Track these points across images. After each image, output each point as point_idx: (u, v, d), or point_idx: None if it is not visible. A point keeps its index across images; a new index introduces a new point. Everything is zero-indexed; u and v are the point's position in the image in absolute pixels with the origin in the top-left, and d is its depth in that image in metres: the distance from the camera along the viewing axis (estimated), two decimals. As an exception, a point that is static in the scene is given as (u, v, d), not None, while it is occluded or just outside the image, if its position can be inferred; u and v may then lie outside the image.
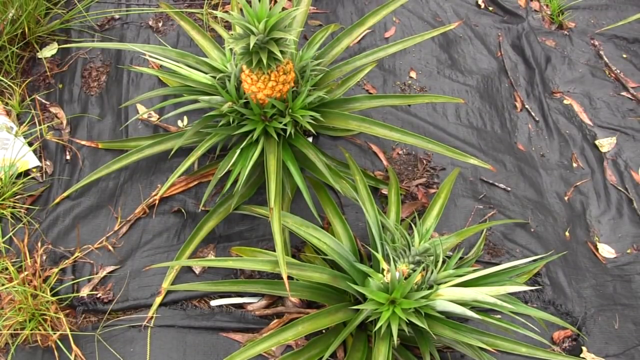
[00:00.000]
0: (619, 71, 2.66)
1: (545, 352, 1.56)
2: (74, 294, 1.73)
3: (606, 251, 2.12)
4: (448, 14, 2.71)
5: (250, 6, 1.43)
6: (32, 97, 2.11)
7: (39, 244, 1.81)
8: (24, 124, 2.03)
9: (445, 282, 1.40)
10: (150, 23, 2.35)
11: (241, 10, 1.48)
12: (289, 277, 1.50)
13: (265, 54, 1.44)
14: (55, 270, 1.75)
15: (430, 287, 1.40)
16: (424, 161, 2.20)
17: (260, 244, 1.88)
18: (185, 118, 2.13)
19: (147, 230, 1.88)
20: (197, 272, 1.82)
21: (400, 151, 2.21)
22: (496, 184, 2.19)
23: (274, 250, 1.48)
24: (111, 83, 2.19)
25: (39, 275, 1.72)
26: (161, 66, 2.20)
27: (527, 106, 2.48)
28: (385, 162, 2.15)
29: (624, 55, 2.73)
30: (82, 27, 2.30)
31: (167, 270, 1.79)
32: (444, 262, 1.48)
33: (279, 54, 1.43)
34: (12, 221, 1.83)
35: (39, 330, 1.63)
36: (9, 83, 2.09)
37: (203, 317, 1.74)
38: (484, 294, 1.29)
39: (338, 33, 1.92)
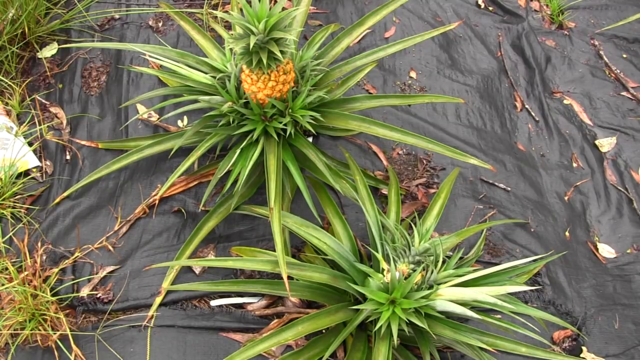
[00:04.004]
0: (619, 71, 2.66)
1: (545, 352, 1.56)
2: (74, 294, 1.73)
3: (606, 251, 2.12)
4: (448, 14, 2.71)
5: (250, 6, 1.43)
6: (32, 97, 2.11)
7: (39, 244, 1.81)
8: (24, 124, 2.03)
9: (445, 282, 1.40)
10: (150, 23, 2.35)
11: (241, 10, 1.48)
12: (289, 277, 1.50)
13: (265, 54, 1.44)
14: (55, 270, 1.75)
15: (430, 287, 1.40)
16: (424, 161, 2.20)
17: (260, 244, 1.88)
18: (185, 118, 2.13)
19: (147, 230, 1.88)
20: (197, 272, 1.82)
21: (400, 151, 2.21)
22: (496, 184, 2.19)
23: (274, 250, 1.48)
24: (111, 83, 2.19)
25: (39, 275, 1.72)
26: (161, 66, 2.20)
27: (527, 106, 2.48)
28: (385, 162, 2.15)
29: (624, 55, 2.73)
30: (82, 27, 2.30)
31: (167, 270, 1.79)
32: (444, 262, 1.48)
33: (279, 54, 1.43)
34: (12, 221, 1.83)
35: (39, 330, 1.63)
36: (9, 83, 2.09)
37: (203, 317, 1.74)
38: (484, 294, 1.29)
39: (338, 33, 1.92)
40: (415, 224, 1.49)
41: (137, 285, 1.77)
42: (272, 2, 2.40)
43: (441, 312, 1.37)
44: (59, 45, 2.24)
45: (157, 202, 1.91)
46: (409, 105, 2.33)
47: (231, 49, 1.71)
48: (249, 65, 1.51)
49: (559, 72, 2.63)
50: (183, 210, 1.92)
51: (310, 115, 1.61)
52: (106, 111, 2.12)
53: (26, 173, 1.94)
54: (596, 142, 2.42)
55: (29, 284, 1.68)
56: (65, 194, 1.89)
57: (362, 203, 1.67)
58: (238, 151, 1.62)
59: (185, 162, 1.63)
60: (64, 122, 2.08)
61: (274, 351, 1.69)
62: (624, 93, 2.60)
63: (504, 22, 2.77)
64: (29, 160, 1.95)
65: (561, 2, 2.86)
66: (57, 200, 1.89)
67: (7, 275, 1.69)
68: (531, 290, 1.93)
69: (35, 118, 2.05)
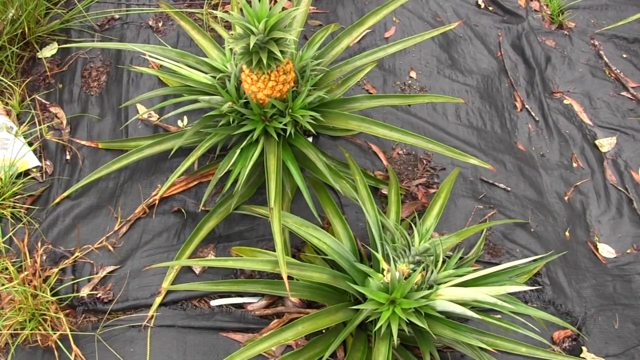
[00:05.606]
0: (619, 71, 2.66)
1: (545, 352, 1.56)
2: (74, 294, 1.73)
3: (606, 251, 2.12)
4: (448, 14, 2.71)
5: (250, 6, 1.43)
6: (32, 97, 2.11)
7: (39, 244, 1.81)
8: (24, 124, 2.03)
9: (445, 282, 1.40)
10: (150, 23, 2.36)
11: (241, 10, 1.48)
12: (289, 277, 1.50)
13: (265, 54, 1.44)
14: (55, 270, 1.75)
15: (430, 287, 1.40)
16: (424, 161, 2.20)
17: (260, 243, 1.88)
18: (185, 118, 2.13)
19: (147, 230, 1.88)
20: (197, 272, 1.82)
21: (400, 151, 2.21)
22: (496, 184, 2.19)
23: (274, 250, 1.48)
24: (111, 83, 2.19)
25: (39, 275, 1.72)
26: (161, 66, 2.20)
27: (527, 106, 2.48)
28: (385, 162, 2.15)
29: (624, 55, 2.73)
30: (82, 27, 2.30)
31: (167, 270, 1.79)
32: (444, 262, 1.48)
33: (279, 54, 1.43)
34: (12, 221, 1.83)
35: (39, 330, 1.63)
36: (9, 83, 2.09)
37: (203, 317, 1.74)
38: (484, 294, 1.29)
39: (338, 33, 1.92)
40: (415, 224, 1.49)
41: (137, 285, 1.77)
42: (272, 2, 2.40)
43: (441, 312, 1.37)
44: (59, 45, 2.24)
45: (157, 202, 1.91)
46: (409, 105, 2.33)
47: (231, 49, 1.71)
48: (249, 65, 1.51)
49: (559, 72, 2.63)
50: (183, 210, 1.92)
51: (310, 115, 1.61)
52: (106, 111, 2.12)
53: (26, 173, 1.94)
54: (596, 142, 2.42)
55: (29, 284, 1.68)
56: (65, 194, 1.89)
57: (362, 203, 1.67)
58: (238, 151, 1.62)
59: (185, 162, 1.63)
60: (64, 122, 2.08)
61: (274, 351, 1.69)
62: (624, 93, 2.60)
63: (504, 22, 2.77)
64: (29, 160, 1.95)
65: (561, 2, 2.86)
66: (57, 200, 1.89)
67: (7, 275, 1.69)
68: (531, 290, 1.93)
69: (35, 118, 2.05)
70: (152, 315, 1.71)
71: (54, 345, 1.64)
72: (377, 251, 1.55)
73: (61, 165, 1.98)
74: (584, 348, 1.87)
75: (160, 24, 2.37)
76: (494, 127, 2.38)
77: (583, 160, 2.36)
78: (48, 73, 2.18)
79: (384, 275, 1.46)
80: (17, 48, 2.14)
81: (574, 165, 2.34)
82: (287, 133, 1.60)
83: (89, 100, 2.15)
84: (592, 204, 2.24)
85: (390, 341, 1.42)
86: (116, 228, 1.87)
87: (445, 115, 2.35)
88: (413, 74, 2.45)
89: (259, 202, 1.88)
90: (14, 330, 1.62)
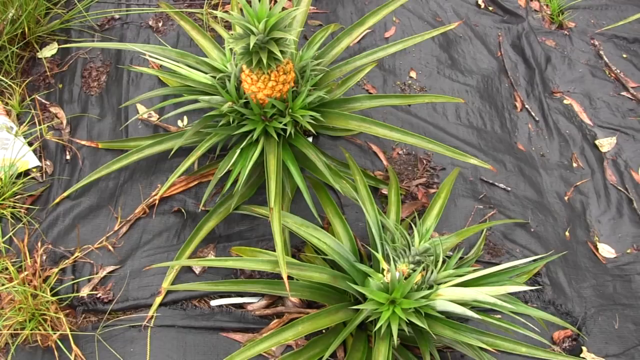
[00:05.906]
0: (619, 71, 2.66)
1: (545, 352, 1.56)
2: (74, 294, 1.73)
3: (606, 251, 2.12)
4: (448, 14, 2.71)
5: (250, 6, 1.43)
6: (32, 97, 2.11)
7: (39, 244, 1.81)
8: (24, 124, 2.03)
9: (446, 282, 1.40)
10: (150, 23, 2.35)
11: (241, 10, 1.48)
12: (289, 277, 1.50)
13: (265, 54, 1.44)
14: (55, 270, 1.75)
15: (430, 287, 1.40)
16: (424, 161, 2.20)
17: (260, 244, 1.88)
18: (185, 118, 2.13)
19: (147, 230, 1.88)
20: (197, 272, 1.82)
21: (400, 151, 2.21)
22: (496, 184, 2.19)
23: (274, 250, 1.48)
24: (111, 83, 2.19)
25: (39, 275, 1.72)
26: (161, 66, 2.20)
27: (527, 106, 2.48)
28: (385, 162, 2.15)
29: (624, 55, 2.73)
30: (82, 27, 2.30)
31: (167, 270, 1.79)
32: (444, 262, 1.48)
33: (279, 54, 1.43)
34: (12, 221, 1.83)
35: (39, 330, 1.63)
36: (9, 83, 2.09)
37: (203, 317, 1.74)
38: (484, 294, 1.29)
39: (338, 33, 1.92)
40: (415, 224, 1.49)
41: (137, 285, 1.77)
42: (272, 2, 2.40)
43: (441, 312, 1.37)
44: (59, 45, 2.24)
45: (157, 202, 1.91)
46: (409, 105, 2.33)
47: (231, 49, 1.71)
48: (249, 65, 1.51)
49: (559, 72, 2.63)
50: (183, 210, 1.92)
51: (310, 115, 1.61)
52: (106, 111, 2.12)
53: (26, 173, 1.94)
54: (596, 142, 2.42)
55: (29, 284, 1.68)
56: (65, 194, 1.89)
57: (362, 203, 1.67)
58: (238, 151, 1.62)
59: (185, 162, 1.63)
60: (64, 122, 2.08)
61: (274, 351, 1.69)
62: (624, 93, 2.60)
63: (504, 22, 2.77)
64: (29, 160, 1.95)
65: (561, 2, 2.86)
66: (57, 200, 1.89)
67: (7, 275, 1.69)
68: (531, 290, 1.93)
69: (35, 118, 2.05)
70: (152, 315, 1.71)
71: (54, 345, 1.64)
72: (377, 251, 1.55)
73: (61, 165, 1.98)
74: (584, 348, 1.87)
75: (160, 24, 2.37)
76: (494, 127, 2.38)
77: (583, 160, 2.36)
78: (48, 73, 2.18)
79: (384, 275, 1.46)
80: (17, 48, 2.14)
81: (574, 165, 2.34)
82: (287, 133, 1.60)
83: (89, 100, 2.15)
84: (592, 204, 2.24)
85: (390, 341, 1.42)
86: (116, 228, 1.87)
87: (445, 115, 2.35)
88: (413, 74, 2.45)
89: (259, 202, 1.88)
90: (14, 330, 1.62)
